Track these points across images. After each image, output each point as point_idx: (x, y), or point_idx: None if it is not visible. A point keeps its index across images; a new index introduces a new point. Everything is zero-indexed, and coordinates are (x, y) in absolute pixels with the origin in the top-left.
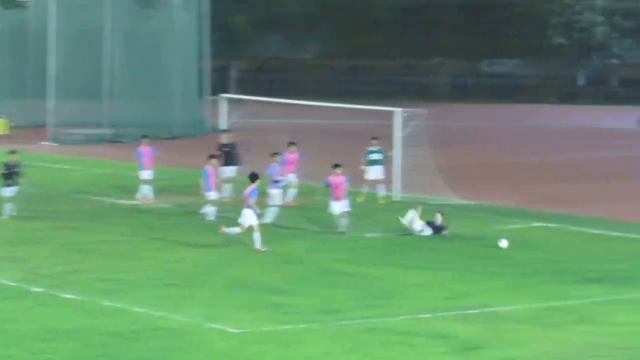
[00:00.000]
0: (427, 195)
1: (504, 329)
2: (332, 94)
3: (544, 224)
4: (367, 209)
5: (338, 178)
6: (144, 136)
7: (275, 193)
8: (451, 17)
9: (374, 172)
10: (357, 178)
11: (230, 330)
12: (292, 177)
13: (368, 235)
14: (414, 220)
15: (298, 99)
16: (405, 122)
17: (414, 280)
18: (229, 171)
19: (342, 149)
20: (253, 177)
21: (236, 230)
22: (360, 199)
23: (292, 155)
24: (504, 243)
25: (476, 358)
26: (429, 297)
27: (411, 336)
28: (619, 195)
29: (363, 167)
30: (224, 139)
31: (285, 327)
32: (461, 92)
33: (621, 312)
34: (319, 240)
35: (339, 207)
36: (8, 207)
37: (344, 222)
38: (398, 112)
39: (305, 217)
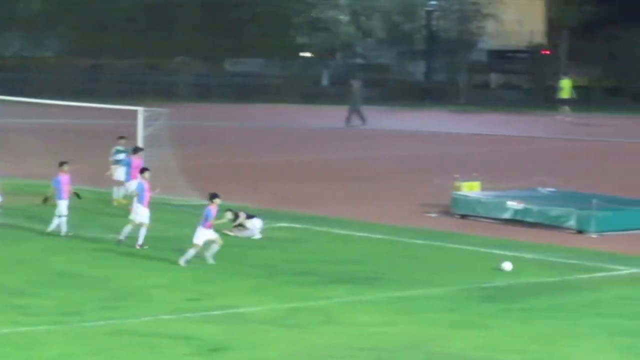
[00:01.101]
0: (171, 195)
1: (248, 330)
2: (75, 93)
3: (289, 225)
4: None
5: (65, 176)
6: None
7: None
8: (194, 15)
9: (121, 173)
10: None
11: None
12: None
13: (108, 236)
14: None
15: (41, 98)
16: (148, 121)
17: (156, 282)
18: None
19: (85, 148)
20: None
21: None
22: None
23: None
24: (507, 266)
25: (219, 359)
26: (172, 298)
27: (153, 337)
28: (361, 196)
29: (110, 168)
30: None
31: (25, 329)
32: (205, 92)
33: (365, 313)
34: (53, 242)
35: (65, 205)
36: None
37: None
38: (140, 111)
39: (35, 218)
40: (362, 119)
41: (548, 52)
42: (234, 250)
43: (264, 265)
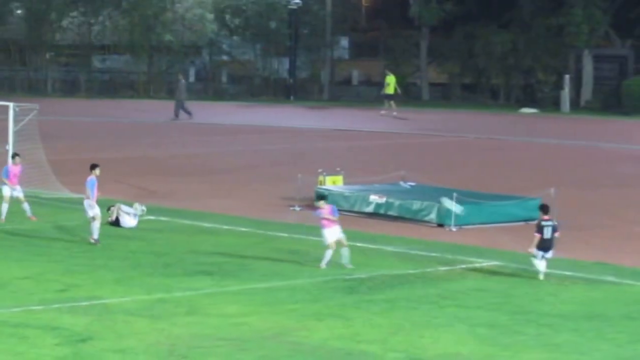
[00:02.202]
0: (40, 189)
1: (114, 321)
2: None
3: (155, 217)
4: None
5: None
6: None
7: None
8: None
9: None
10: None
11: None
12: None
13: None
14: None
15: None
16: (18, 116)
17: (22, 273)
18: None
19: None
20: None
21: None
22: None
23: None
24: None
25: (87, 349)
26: (39, 289)
27: (23, 328)
28: (224, 190)
29: None
30: None
31: None
32: (72, 87)
33: (229, 304)
34: None
35: None
36: None
37: None
38: (11, 105)
39: None
40: (189, 112)
41: None
42: (101, 241)
43: (130, 257)
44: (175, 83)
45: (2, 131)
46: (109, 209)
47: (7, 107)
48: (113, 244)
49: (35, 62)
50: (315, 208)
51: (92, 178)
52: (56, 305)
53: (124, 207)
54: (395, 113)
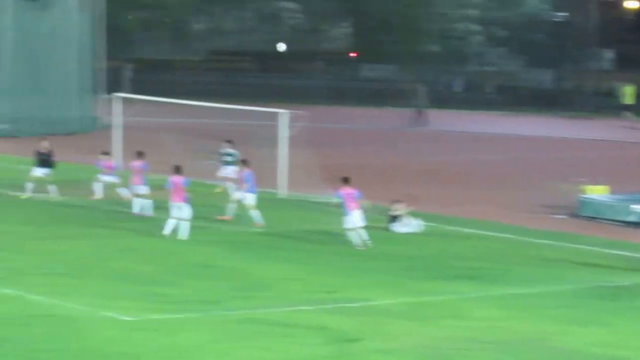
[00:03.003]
0: (309, 193)
1: (381, 322)
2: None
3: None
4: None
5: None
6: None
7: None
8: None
9: (228, 172)
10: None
11: (120, 318)
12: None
13: (251, 230)
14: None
15: (186, 99)
16: (289, 123)
17: (293, 274)
18: (40, 172)
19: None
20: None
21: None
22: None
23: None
24: None
25: (354, 349)
26: (307, 289)
27: (290, 327)
28: (485, 197)
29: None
30: (42, 147)
31: (171, 316)
32: (340, 95)
33: (490, 308)
34: (198, 233)
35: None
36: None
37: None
38: (282, 113)
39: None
40: (419, 121)
41: None
42: (367, 245)
43: (395, 260)
44: (418, 91)
45: (273, 137)
46: (391, 216)
47: (278, 114)
48: (380, 247)
49: (305, 70)
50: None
51: (348, 191)
52: (324, 306)
53: (406, 219)
54: (627, 123)
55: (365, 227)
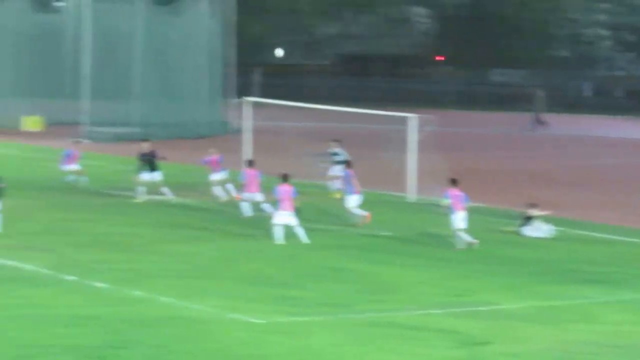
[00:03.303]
0: (437, 197)
1: (509, 326)
2: (346, 99)
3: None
4: (376, 208)
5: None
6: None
7: None
8: (462, 27)
9: (335, 170)
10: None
11: (249, 320)
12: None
13: (380, 233)
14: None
15: (314, 103)
16: (418, 127)
17: (421, 277)
18: (149, 176)
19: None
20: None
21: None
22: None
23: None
24: None
25: (482, 352)
26: (434, 293)
27: (418, 330)
28: (612, 201)
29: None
30: (145, 147)
31: (300, 319)
32: (469, 100)
33: (622, 312)
34: (325, 237)
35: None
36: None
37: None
38: (412, 117)
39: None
40: (537, 126)
41: None
42: (491, 247)
43: (522, 264)
44: (536, 96)
45: (403, 141)
46: (525, 218)
47: (408, 118)
48: (509, 251)
49: (433, 75)
50: None
51: (455, 192)
52: (453, 310)
53: (537, 224)
54: None
55: (498, 231)
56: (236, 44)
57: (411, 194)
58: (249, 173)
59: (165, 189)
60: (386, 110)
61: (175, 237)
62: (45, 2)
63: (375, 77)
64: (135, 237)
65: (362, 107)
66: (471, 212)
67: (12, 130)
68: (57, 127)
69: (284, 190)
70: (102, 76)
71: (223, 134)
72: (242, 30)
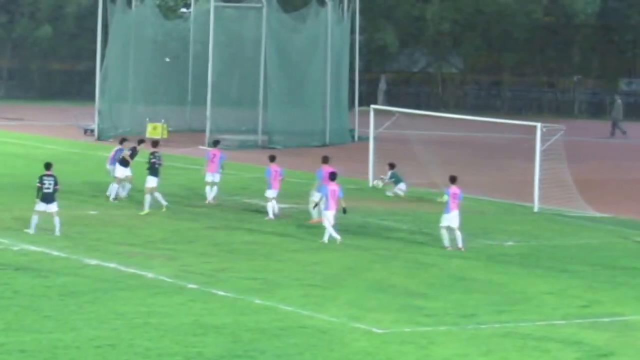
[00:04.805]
0: (563, 207)
1: (635, 337)
2: (476, 108)
3: None
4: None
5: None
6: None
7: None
8: (590, 36)
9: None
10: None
11: (373, 330)
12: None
13: (506, 244)
14: None
15: (444, 112)
16: (545, 136)
17: (547, 288)
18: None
19: (475, 161)
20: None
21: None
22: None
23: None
24: None
25: None
26: (562, 304)
27: (545, 341)
28: None
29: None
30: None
31: (424, 329)
32: (598, 110)
33: None
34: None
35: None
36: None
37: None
38: (539, 126)
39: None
40: (616, 132)
41: None
42: (621, 258)
43: None
44: (615, 104)
45: (530, 150)
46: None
47: (534, 127)
48: (634, 263)
49: (563, 84)
50: None
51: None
52: (578, 321)
53: None
54: None
55: (632, 241)
56: (362, 52)
57: (538, 203)
58: (273, 169)
59: (158, 194)
60: (516, 119)
61: (297, 246)
62: (173, 8)
63: (504, 86)
64: (257, 245)
65: (492, 116)
66: (603, 222)
67: (139, 137)
68: (179, 134)
69: (332, 189)
70: (226, 83)
71: (349, 142)
72: (368, 38)
